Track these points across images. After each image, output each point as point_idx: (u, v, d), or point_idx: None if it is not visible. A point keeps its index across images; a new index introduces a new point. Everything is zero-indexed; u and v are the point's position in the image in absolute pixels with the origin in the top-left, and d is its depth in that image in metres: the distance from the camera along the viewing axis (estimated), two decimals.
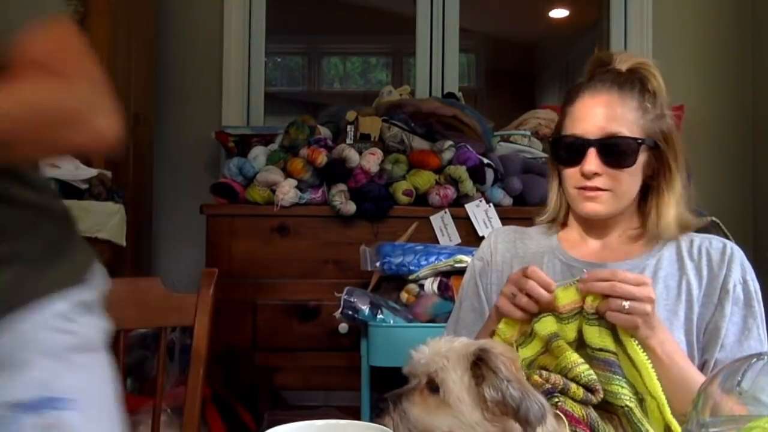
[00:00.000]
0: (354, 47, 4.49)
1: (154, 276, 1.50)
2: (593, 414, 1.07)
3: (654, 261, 1.30)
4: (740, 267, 1.27)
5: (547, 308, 1.13)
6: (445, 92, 3.00)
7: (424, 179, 2.32)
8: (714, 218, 2.00)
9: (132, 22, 2.58)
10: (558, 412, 1.03)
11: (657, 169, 1.30)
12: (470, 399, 0.96)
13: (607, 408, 1.10)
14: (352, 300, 1.89)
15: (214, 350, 2.17)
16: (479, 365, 0.98)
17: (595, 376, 1.08)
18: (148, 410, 1.93)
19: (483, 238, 2.14)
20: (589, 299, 1.12)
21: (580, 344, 1.13)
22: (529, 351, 1.15)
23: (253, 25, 3.05)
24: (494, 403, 0.94)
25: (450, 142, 2.38)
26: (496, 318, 1.22)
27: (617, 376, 1.09)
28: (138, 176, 2.65)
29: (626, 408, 1.08)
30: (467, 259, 1.89)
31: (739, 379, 0.86)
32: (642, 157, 1.27)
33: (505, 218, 2.30)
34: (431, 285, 1.96)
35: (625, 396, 1.08)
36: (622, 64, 1.31)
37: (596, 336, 1.11)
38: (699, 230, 1.40)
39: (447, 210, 2.31)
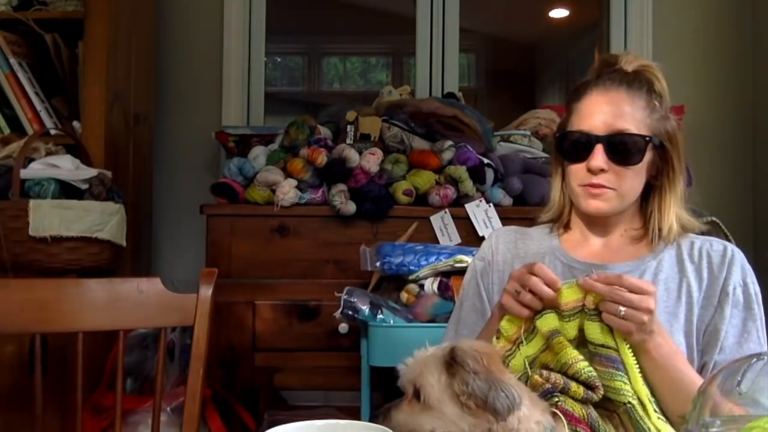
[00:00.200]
0: (354, 47, 4.49)
1: (154, 276, 1.50)
2: (593, 413, 1.07)
3: (655, 263, 1.30)
4: (740, 269, 1.27)
5: (550, 305, 1.14)
6: (445, 92, 3.00)
7: (424, 179, 2.32)
8: (714, 218, 2.00)
9: (132, 22, 2.58)
10: (558, 412, 1.03)
11: (660, 169, 1.30)
12: (448, 397, 1.00)
13: (607, 406, 1.10)
14: (352, 300, 1.88)
15: (214, 350, 2.18)
16: (452, 363, 1.01)
17: (595, 373, 1.08)
18: (148, 410, 1.94)
19: (483, 238, 2.15)
20: (590, 297, 1.12)
21: (581, 342, 1.13)
22: (531, 348, 1.15)
23: (253, 25, 3.05)
24: (466, 396, 0.98)
25: (450, 142, 2.38)
26: (498, 316, 1.22)
27: (620, 373, 1.09)
28: (138, 176, 2.65)
29: (628, 405, 1.08)
30: (467, 259, 1.89)
31: (739, 379, 0.86)
32: (647, 156, 1.27)
33: (505, 218, 2.30)
34: (431, 285, 1.96)
35: (627, 392, 1.08)
36: (628, 65, 1.32)
37: (598, 332, 1.11)
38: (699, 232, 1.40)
39: (447, 210, 2.31)
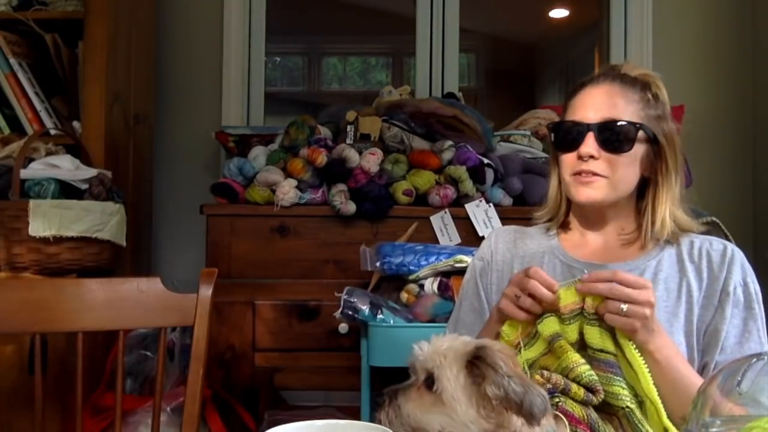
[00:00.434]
0: (354, 47, 4.48)
1: (154, 276, 1.50)
2: (593, 414, 1.07)
3: (654, 263, 1.30)
4: (741, 269, 1.27)
5: (550, 309, 1.14)
6: (445, 92, 3.00)
7: (424, 179, 2.32)
8: (714, 218, 2.00)
9: (132, 22, 2.58)
10: (558, 412, 1.03)
11: (655, 166, 1.30)
12: (465, 397, 0.96)
13: (607, 410, 1.10)
14: (352, 300, 1.88)
15: (214, 350, 2.18)
16: (477, 363, 0.98)
17: (596, 377, 1.08)
18: (148, 410, 1.94)
19: (483, 238, 2.15)
20: (589, 300, 1.12)
21: (582, 346, 1.13)
22: (532, 352, 1.15)
23: (253, 25, 3.05)
24: (498, 400, 0.94)
25: (450, 142, 2.38)
26: (497, 319, 1.22)
27: (618, 378, 1.09)
28: (138, 176, 2.65)
29: (627, 409, 1.08)
30: (467, 259, 1.89)
31: (739, 379, 0.86)
32: (640, 148, 1.28)
33: (505, 218, 2.30)
34: (431, 285, 1.96)
35: (626, 397, 1.08)
36: (630, 72, 1.33)
37: (597, 337, 1.11)
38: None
39: (447, 210, 2.31)
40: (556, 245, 1.37)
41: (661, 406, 1.08)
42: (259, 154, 2.43)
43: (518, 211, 2.33)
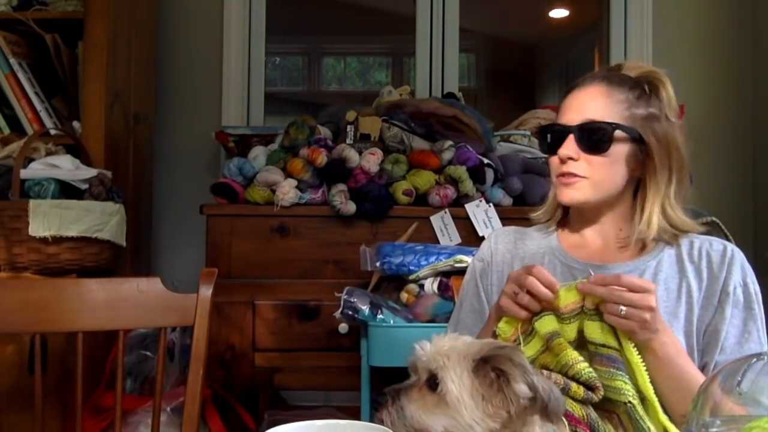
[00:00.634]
0: (354, 47, 4.48)
1: (154, 276, 1.50)
2: (593, 414, 1.07)
3: (654, 263, 1.30)
4: (741, 269, 1.27)
5: (549, 307, 1.14)
6: (445, 92, 3.00)
7: (424, 179, 2.32)
8: (714, 218, 2.00)
9: (132, 22, 2.58)
10: None
11: (645, 166, 1.29)
12: (469, 399, 0.96)
13: (607, 407, 1.10)
14: (352, 300, 1.88)
15: (214, 350, 2.18)
16: (491, 362, 0.97)
17: (595, 374, 1.08)
18: (148, 410, 1.94)
19: (483, 238, 2.15)
20: (589, 298, 1.12)
21: (580, 344, 1.13)
22: (530, 350, 1.15)
23: (253, 25, 3.05)
24: (525, 399, 0.93)
25: (450, 142, 2.38)
26: (496, 317, 1.22)
27: (620, 372, 1.09)
28: (138, 176, 2.65)
29: (629, 404, 1.08)
30: (467, 259, 1.89)
31: (739, 379, 0.86)
32: (623, 148, 1.27)
33: (505, 218, 2.30)
34: (431, 285, 1.96)
35: (628, 392, 1.08)
36: (631, 72, 1.32)
37: (598, 331, 1.11)
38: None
39: (447, 210, 2.31)
40: (557, 246, 1.37)
41: (657, 404, 1.08)
42: (259, 154, 2.43)
43: (518, 211, 2.32)
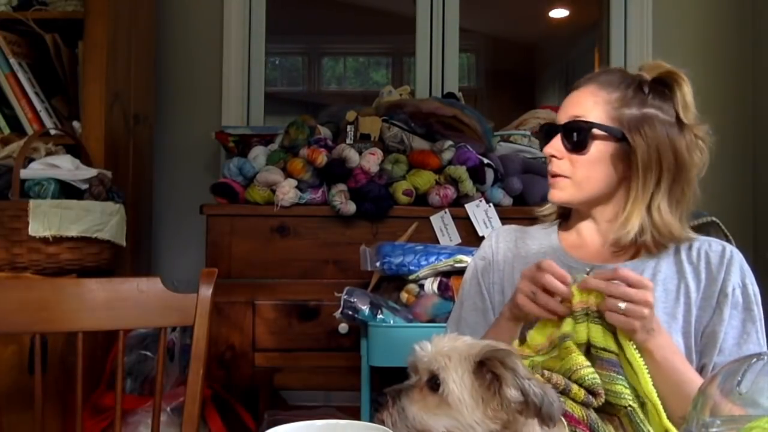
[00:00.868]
0: (354, 47, 4.48)
1: (154, 276, 1.50)
2: (593, 415, 1.07)
3: (653, 264, 1.29)
4: (739, 270, 1.26)
5: (568, 306, 1.12)
6: (445, 92, 3.00)
7: (424, 179, 2.32)
8: (714, 218, 2.00)
9: (132, 22, 2.58)
10: None
11: (633, 167, 1.27)
12: (471, 400, 0.96)
13: (608, 410, 1.09)
14: (352, 300, 1.88)
15: (214, 350, 2.18)
16: (487, 365, 0.97)
17: (599, 380, 1.07)
18: (148, 410, 1.94)
19: (483, 238, 2.14)
20: (592, 298, 1.11)
21: (587, 348, 1.13)
22: (542, 356, 1.14)
23: (253, 25, 3.05)
24: (516, 403, 0.93)
25: (450, 142, 2.38)
26: (509, 316, 1.20)
27: (620, 377, 1.09)
28: (138, 176, 2.65)
29: (629, 408, 1.07)
30: (467, 259, 1.89)
31: (739, 379, 0.86)
32: (605, 147, 1.26)
33: (505, 218, 2.30)
34: (431, 285, 1.96)
35: (628, 396, 1.08)
36: (649, 72, 1.31)
37: (600, 335, 1.11)
38: (699, 228, 1.39)
39: (447, 210, 2.31)
40: (557, 245, 1.37)
41: (660, 406, 1.08)
42: (259, 154, 2.43)
43: (518, 211, 2.33)
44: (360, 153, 2.33)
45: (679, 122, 1.28)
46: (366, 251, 2.07)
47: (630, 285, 1.08)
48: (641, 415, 1.08)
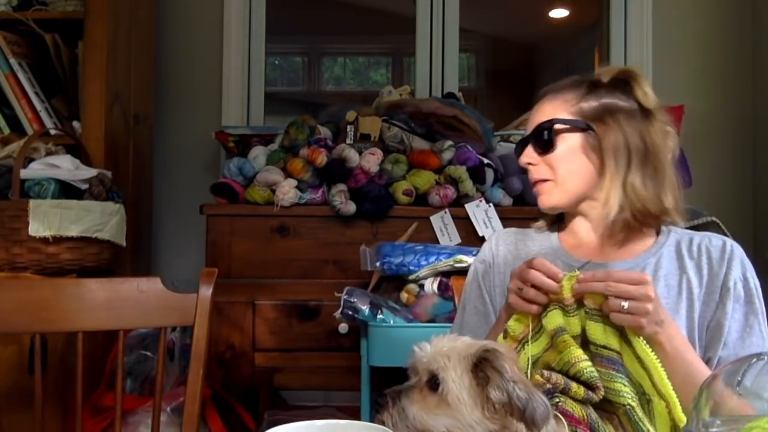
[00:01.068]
0: (354, 47, 4.48)
1: (154, 276, 1.50)
2: (593, 414, 1.07)
3: (654, 260, 1.30)
4: (740, 264, 1.27)
5: (555, 299, 1.13)
6: (445, 92, 3.00)
7: (424, 179, 2.32)
8: (714, 218, 2.00)
9: (132, 22, 2.58)
10: (557, 413, 1.03)
11: (603, 152, 1.29)
12: (470, 399, 0.96)
13: (607, 408, 1.10)
14: (352, 300, 1.88)
15: (214, 350, 2.18)
16: (482, 366, 0.98)
17: (596, 374, 1.07)
18: (148, 410, 1.94)
19: (483, 238, 2.15)
20: (590, 298, 1.11)
21: (584, 342, 1.13)
22: (536, 348, 1.14)
23: (253, 25, 3.05)
24: (500, 404, 0.94)
25: (450, 142, 2.38)
26: (505, 318, 1.21)
27: (620, 374, 1.09)
28: (138, 176, 2.65)
29: (628, 406, 1.07)
30: (467, 259, 1.89)
31: (740, 379, 0.86)
32: (572, 139, 1.30)
33: (505, 218, 2.30)
34: (431, 285, 1.96)
35: (627, 394, 1.08)
36: (604, 76, 1.34)
37: (600, 333, 1.11)
38: (699, 228, 1.39)
39: (447, 210, 2.31)
40: (558, 246, 1.38)
41: (676, 401, 1.07)
42: (259, 154, 2.43)
43: (518, 211, 2.33)
44: (360, 153, 2.33)
45: (642, 109, 1.29)
46: (366, 251, 2.07)
47: (628, 283, 1.08)
48: (640, 414, 1.08)
